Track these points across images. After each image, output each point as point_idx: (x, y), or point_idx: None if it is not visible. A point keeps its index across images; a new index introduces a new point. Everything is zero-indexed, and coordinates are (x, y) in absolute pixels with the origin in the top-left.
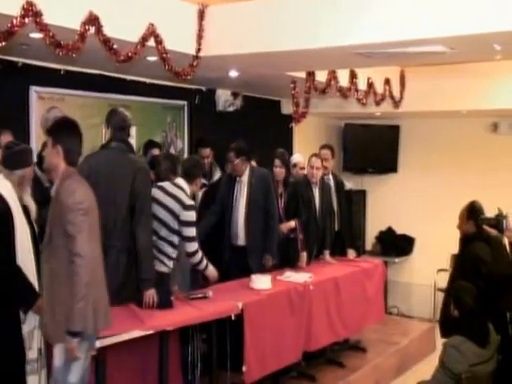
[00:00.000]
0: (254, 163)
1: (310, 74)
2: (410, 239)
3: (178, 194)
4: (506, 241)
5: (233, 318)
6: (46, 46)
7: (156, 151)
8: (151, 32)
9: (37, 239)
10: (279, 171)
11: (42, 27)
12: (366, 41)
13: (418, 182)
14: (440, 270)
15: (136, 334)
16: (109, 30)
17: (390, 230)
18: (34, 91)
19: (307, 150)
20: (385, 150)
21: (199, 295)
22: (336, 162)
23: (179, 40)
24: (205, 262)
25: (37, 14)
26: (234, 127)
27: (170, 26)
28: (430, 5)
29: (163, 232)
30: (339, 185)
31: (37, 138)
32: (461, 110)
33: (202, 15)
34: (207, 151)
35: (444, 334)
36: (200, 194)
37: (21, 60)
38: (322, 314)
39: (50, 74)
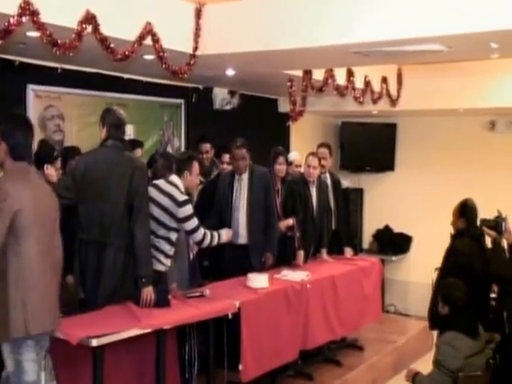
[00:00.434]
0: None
1: (307, 73)
2: (407, 237)
3: (171, 192)
4: (504, 243)
5: (230, 316)
6: (43, 44)
7: (139, 151)
8: (148, 31)
9: None
10: (282, 168)
11: (39, 26)
12: (363, 39)
13: (415, 181)
14: (437, 269)
15: (133, 332)
16: (106, 29)
17: (387, 229)
18: (31, 90)
19: (304, 148)
20: (382, 148)
21: (196, 294)
22: (333, 160)
23: (176, 39)
24: (216, 237)
25: (34, 13)
26: (231, 125)
27: (167, 25)
28: (427, 3)
29: (160, 230)
30: (336, 183)
31: (34, 136)
32: (458, 108)
33: (199, 14)
34: (207, 146)
35: (432, 327)
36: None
37: (18, 59)
38: (319, 313)
39: (47, 72)
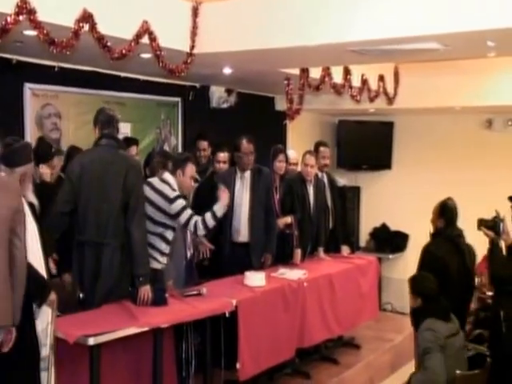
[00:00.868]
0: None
1: (304, 71)
2: (404, 236)
3: (163, 189)
4: (502, 243)
5: (227, 315)
6: (40, 43)
7: (134, 149)
8: (145, 29)
9: (44, 236)
10: (282, 166)
11: (36, 24)
12: (360, 38)
13: (412, 179)
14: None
15: (130, 331)
16: (103, 28)
17: (384, 227)
18: (29, 88)
19: (301, 146)
20: (379, 146)
21: (193, 292)
22: (330, 158)
23: (173, 37)
24: (209, 218)
25: (31, 12)
26: (227, 124)
27: (164, 24)
28: (423, 2)
29: (155, 229)
30: (332, 182)
31: (31, 135)
32: (455, 106)
33: (195, 12)
34: (205, 144)
35: (413, 324)
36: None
37: (15, 57)
38: (316, 311)
39: (44, 71)
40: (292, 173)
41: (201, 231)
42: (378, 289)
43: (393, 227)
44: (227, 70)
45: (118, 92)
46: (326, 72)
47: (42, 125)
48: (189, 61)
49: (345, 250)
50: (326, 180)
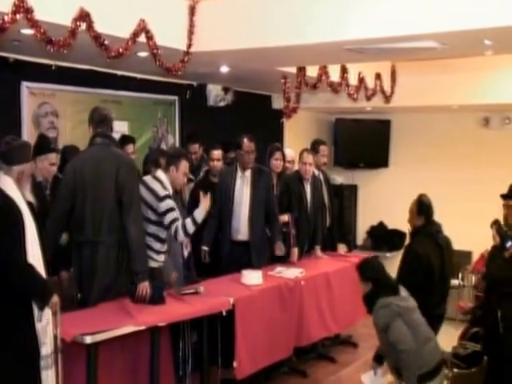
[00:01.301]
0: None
1: (301, 70)
2: (402, 234)
3: (154, 187)
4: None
5: (224, 313)
6: (37, 42)
7: (130, 147)
8: (142, 28)
9: (43, 235)
10: (279, 164)
11: (33, 23)
12: (356, 36)
13: (410, 177)
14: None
15: (128, 329)
16: (100, 26)
17: (381, 225)
18: (26, 87)
19: (298, 144)
20: (376, 144)
21: (191, 291)
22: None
23: (170, 36)
24: (188, 223)
25: (28, 11)
26: (224, 122)
27: (161, 22)
28: (420, 1)
29: (148, 228)
30: (328, 180)
31: (28, 133)
32: (452, 104)
33: (192, 11)
34: (196, 147)
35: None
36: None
37: (12, 56)
38: (313, 310)
39: (41, 69)
40: (289, 171)
41: (181, 236)
42: None
43: (390, 225)
44: (224, 69)
45: (115, 90)
46: (323, 70)
47: (39, 123)
48: (186, 59)
49: (341, 248)
50: (322, 178)
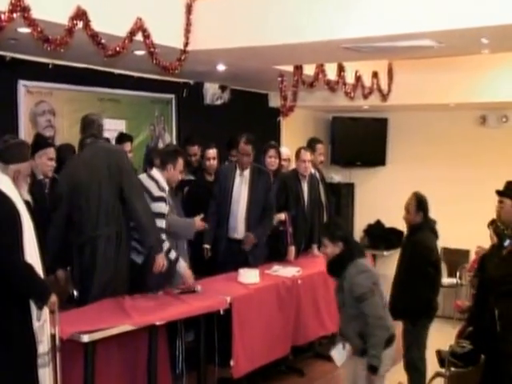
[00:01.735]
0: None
1: (298, 68)
2: (399, 232)
3: (149, 186)
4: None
5: (221, 312)
6: (34, 40)
7: (128, 146)
8: (139, 26)
9: (40, 235)
10: (273, 161)
11: (30, 22)
12: (353, 35)
13: (407, 175)
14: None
15: (125, 328)
16: (97, 25)
17: (378, 223)
18: (23, 85)
19: (295, 143)
20: (373, 143)
21: (188, 289)
22: (324, 155)
23: (167, 34)
24: (174, 253)
25: (25, 9)
26: (221, 120)
27: (158, 21)
28: None
29: None
30: (324, 178)
31: (25, 132)
32: (449, 103)
33: (189, 9)
34: (195, 149)
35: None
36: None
37: (9, 54)
38: (310, 308)
39: (38, 68)
40: (285, 169)
41: (161, 249)
42: None
43: (387, 224)
44: (221, 67)
45: (112, 89)
46: (320, 69)
47: (36, 122)
48: (183, 58)
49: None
50: (318, 176)
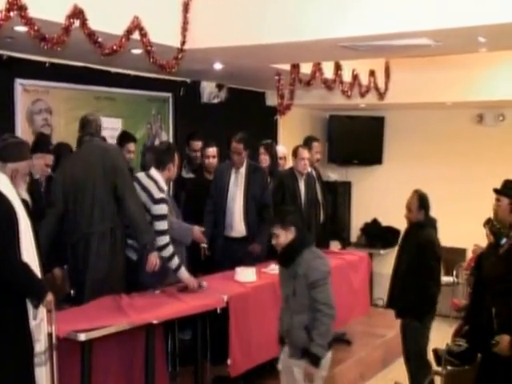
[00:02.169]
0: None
1: (295, 66)
2: (396, 231)
3: (149, 187)
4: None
5: (218, 311)
6: (30, 39)
7: (131, 146)
8: (136, 25)
9: (37, 234)
10: (263, 158)
11: (27, 21)
12: (351, 34)
13: (403, 174)
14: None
15: (122, 327)
16: (93, 24)
17: (375, 222)
18: (19, 84)
19: (292, 141)
20: (370, 141)
21: (185, 288)
22: (321, 153)
23: (164, 33)
24: (176, 260)
25: (22, 8)
26: (218, 119)
27: (155, 19)
28: None
29: None
30: (320, 176)
31: (22, 131)
32: (446, 101)
33: (186, 8)
34: (199, 144)
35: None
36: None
37: (6, 53)
38: None
39: (34, 66)
40: (281, 168)
41: (166, 254)
42: (369, 284)
43: (384, 222)
44: (218, 66)
45: (109, 87)
46: (317, 67)
47: (33, 120)
48: (179, 56)
49: (334, 245)
50: (315, 175)
